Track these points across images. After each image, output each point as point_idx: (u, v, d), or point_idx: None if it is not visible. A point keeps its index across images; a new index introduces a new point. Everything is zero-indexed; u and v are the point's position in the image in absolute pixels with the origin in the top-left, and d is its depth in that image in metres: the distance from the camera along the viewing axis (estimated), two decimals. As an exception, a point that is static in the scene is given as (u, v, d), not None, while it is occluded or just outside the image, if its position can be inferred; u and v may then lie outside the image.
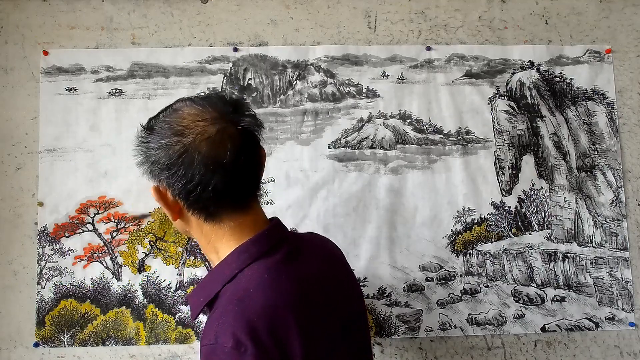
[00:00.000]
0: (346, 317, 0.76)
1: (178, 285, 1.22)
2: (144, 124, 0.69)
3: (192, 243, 1.23)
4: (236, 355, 0.56)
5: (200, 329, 1.21)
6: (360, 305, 0.83)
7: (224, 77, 1.27)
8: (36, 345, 1.19)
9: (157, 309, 1.21)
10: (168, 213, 0.69)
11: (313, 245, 0.79)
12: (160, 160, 0.63)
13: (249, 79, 1.28)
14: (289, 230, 0.80)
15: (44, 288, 1.20)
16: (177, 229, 0.74)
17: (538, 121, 1.30)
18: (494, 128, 1.29)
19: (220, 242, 0.69)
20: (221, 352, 0.57)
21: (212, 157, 0.62)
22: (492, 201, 1.27)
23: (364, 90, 1.29)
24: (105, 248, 1.22)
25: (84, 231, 1.22)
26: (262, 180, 1.24)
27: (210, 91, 1.26)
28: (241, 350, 0.56)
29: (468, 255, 1.25)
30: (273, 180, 1.25)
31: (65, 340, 1.19)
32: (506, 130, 1.29)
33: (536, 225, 1.27)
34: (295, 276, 0.67)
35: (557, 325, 1.23)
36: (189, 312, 0.77)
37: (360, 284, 1.23)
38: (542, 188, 1.27)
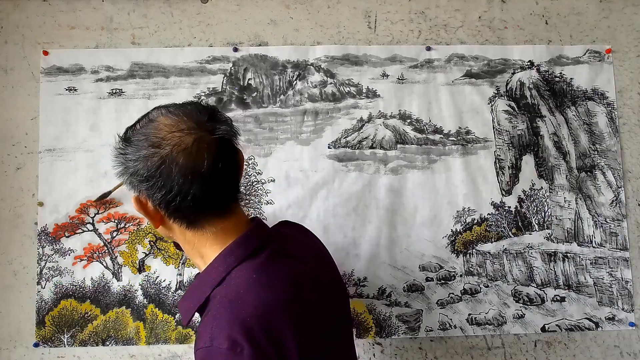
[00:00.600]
0: (339, 314, 0.76)
1: (178, 285, 1.22)
2: (121, 135, 0.70)
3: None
4: (232, 356, 0.57)
5: (200, 329, 1.21)
6: (347, 302, 0.84)
7: (224, 77, 1.27)
8: (36, 345, 1.19)
9: (157, 309, 1.21)
10: (150, 221, 0.69)
11: (301, 243, 0.79)
12: (138, 172, 0.64)
13: (249, 79, 1.28)
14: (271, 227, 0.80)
15: (44, 288, 1.20)
16: (161, 235, 0.75)
17: (538, 121, 1.30)
18: (494, 128, 1.29)
19: (204, 247, 0.69)
20: (217, 354, 0.57)
21: (190, 167, 0.62)
22: (492, 201, 1.27)
23: (364, 90, 1.29)
24: (105, 248, 1.22)
25: (84, 231, 1.22)
26: (262, 180, 1.25)
27: (210, 91, 1.26)
28: (237, 351, 0.57)
29: (468, 255, 1.25)
30: (273, 180, 1.25)
31: (65, 340, 1.19)
32: (506, 130, 1.29)
33: (536, 225, 1.27)
34: (285, 275, 0.67)
35: (557, 325, 1.23)
36: (181, 319, 0.77)
37: (360, 284, 1.23)
38: (542, 188, 1.27)
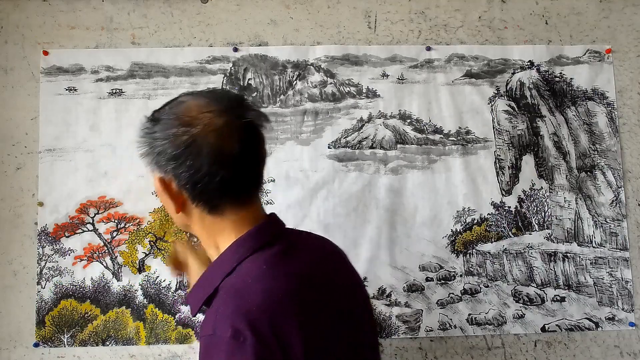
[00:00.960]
0: (349, 319, 0.75)
1: (178, 285, 1.22)
2: (148, 115, 0.70)
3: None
4: (235, 345, 0.56)
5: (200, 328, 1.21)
6: (366, 308, 0.81)
7: (224, 77, 1.27)
8: (36, 345, 1.19)
9: (157, 309, 1.21)
10: (170, 205, 0.68)
11: (310, 245, 0.79)
12: (166, 151, 0.63)
13: (249, 79, 1.28)
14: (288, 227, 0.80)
15: (44, 288, 1.20)
16: (177, 224, 0.74)
17: (538, 121, 1.30)
18: (494, 128, 1.29)
19: (221, 236, 0.69)
20: (220, 343, 0.57)
21: (220, 148, 0.62)
22: (492, 201, 1.26)
23: (364, 90, 1.29)
24: (105, 248, 1.22)
25: (84, 231, 1.22)
26: (263, 180, 1.25)
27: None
28: (240, 340, 0.56)
29: (468, 255, 1.25)
30: (273, 180, 1.25)
31: (65, 340, 1.19)
32: (506, 130, 1.29)
33: (536, 225, 1.27)
34: (295, 270, 0.67)
35: (557, 325, 1.23)
36: (189, 310, 0.76)
37: (360, 284, 1.23)
38: (542, 188, 1.27)
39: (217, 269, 0.67)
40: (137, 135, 0.69)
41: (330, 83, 1.28)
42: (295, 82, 1.28)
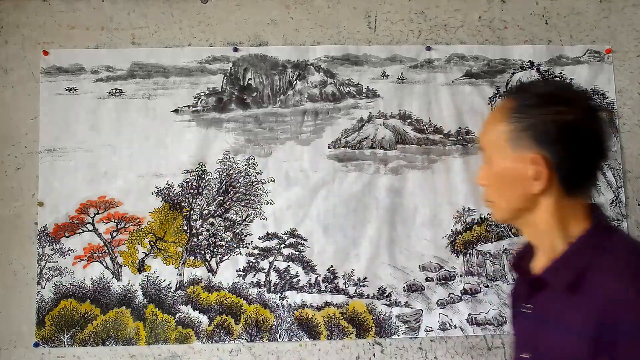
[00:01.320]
0: None
1: (178, 285, 1.22)
2: (517, 90, 0.75)
3: (192, 243, 1.23)
4: None
5: (201, 327, 1.21)
6: None
7: (224, 77, 1.27)
8: (36, 345, 1.19)
9: (157, 309, 1.21)
10: (533, 185, 0.68)
11: None
12: (550, 128, 0.65)
13: (249, 79, 1.28)
14: None
15: (44, 288, 1.20)
16: (513, 207, 0.72)
17: (538, 121, 1.30)
18: (494, 128, 1.29)
19: (572, 218, 0.70)
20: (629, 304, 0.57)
21: (598, 135, 0.67)
22: (492, 201, 1.26)
23: (364, 90, 1.28)
24: (105, 248, 1.22)
25: (84, 231, 1.22)
26: (262, 180, 1.25)
27: (210, 91, 1.26)
28: None
29: (468, 255, 1.25)
30: (273, 180, 1.25)
31: (65, 340, 1.19)
32: (506, 130, 1.29)
33: (536, 225, 1.26)
34: None
35: (557, 325, 1.23)
36: (538, 289, 0.74)
37: (360, 284, 1.23)
38: (542, 188, 1.27)
39: (587, 245, 0.67)
40: (507, 110, 0.68)
41: (330, 83, 1.28)
42: (295, 82, 1.28)
